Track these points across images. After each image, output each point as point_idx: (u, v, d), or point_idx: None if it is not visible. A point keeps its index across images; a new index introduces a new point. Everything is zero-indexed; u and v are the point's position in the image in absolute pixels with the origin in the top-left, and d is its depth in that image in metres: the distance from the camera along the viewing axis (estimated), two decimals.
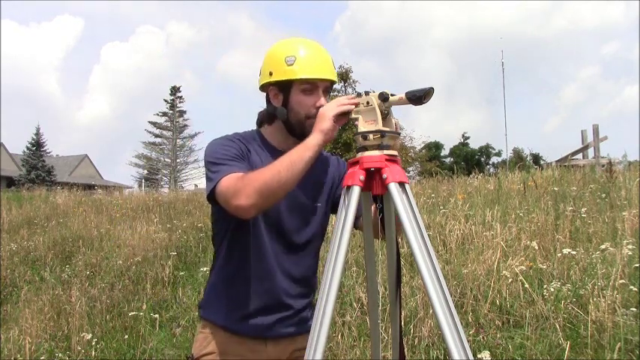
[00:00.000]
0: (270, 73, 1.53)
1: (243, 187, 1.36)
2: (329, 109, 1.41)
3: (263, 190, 1.34)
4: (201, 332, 1.63)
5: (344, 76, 26.92)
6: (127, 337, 4.06)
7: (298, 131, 1.55)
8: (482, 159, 45.41)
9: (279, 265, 1.58)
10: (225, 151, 1.51)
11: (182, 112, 43.25)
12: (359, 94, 1.41)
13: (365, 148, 1.36)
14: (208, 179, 1.48)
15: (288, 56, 1.51)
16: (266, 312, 1.58)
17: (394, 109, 1.42)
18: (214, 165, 1.48)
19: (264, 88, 1.59)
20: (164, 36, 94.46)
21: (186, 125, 43.08)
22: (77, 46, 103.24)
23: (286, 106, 1.54)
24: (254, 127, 1.70)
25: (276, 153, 1.56)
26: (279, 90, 1.54)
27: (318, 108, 1.50)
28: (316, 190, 1.63)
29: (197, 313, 1.78)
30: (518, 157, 29.25)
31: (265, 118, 1.63)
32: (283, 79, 1.51)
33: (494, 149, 45.50)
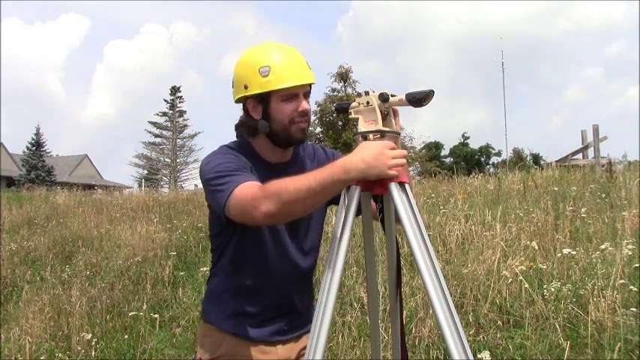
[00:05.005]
0: (246, 87, 1.48)
1: (266, 195, 1.30)
2: (388, 157, 1.29)
3: (284, 202, 1.28)
4: (207, 336, 1.61)
5: (344, 76, 26.94)
6: (127, 337, 4.06)
7: (283, 139, 1.51)
8: (483, 159, 45.43)
9: (285, 272, 1.58)
10: (229, 162, 1.46)
11: (182, 112, 43.27)
12: (359, 94, 1.41)
13: None
14: (217, 192, 1.40)
15: (261, 67, 1.45)
16: (276, 319, 1.59)
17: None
18: (221, 178, 1.41)
19: (240, 100, 1.54)
20: (168, 35, 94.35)
21: (186, 125, 43.11)
22: (81, 46, 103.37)
23: (267, 117, 1.49)
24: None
25: (271, 168, 1.53)
26: (258, 102, 1.49)
27: (300, 112, 1.48)
28: None
29: (199, 314, 1.77)
30: (518, 157, 29.24)
31: (247, 131, 1.56)
32: (260, 92, 1.46)
33: (494, 149, 45.58)
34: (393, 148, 1.32)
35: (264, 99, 1.48)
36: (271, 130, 1.50)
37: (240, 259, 1.56)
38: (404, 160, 1.33)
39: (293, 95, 1.48)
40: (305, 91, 1.51)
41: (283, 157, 1.58)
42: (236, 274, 1.58)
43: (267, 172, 1.51)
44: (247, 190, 1.35)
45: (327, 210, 1.76)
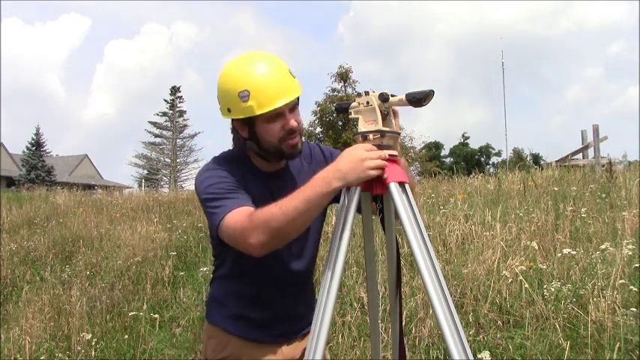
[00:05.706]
0: (229, 110, 1.44)
1: (254, 226, 1.30)
2: (362, 160, 1.29)
3: (274, 229, 1.29)
4: (213, 337, 1.62)
5: (344, 76, 26.92)
6: (127, 337, 4.06)
7: (275, 156, 1.50)
8: (483, 159, 45.45)
9: (288, 275, 1.58)
10: (222, 182, 1.43)
11: (182, 112, 43.31)
12: (359, 94, 1.41)
13: None
14: (211, 214, 1.39)
15: (240, 91, 1.40)
16: (279, 322, 1.60)
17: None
18: (214, 200, 1.40)
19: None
20: (168, 35, 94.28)
21: (186, 125, 43.18)
22: (81, 46, 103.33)
23: (254, 138, 1.46)
24: None
25: (267, 177, 1.53)
26: (244, 124, 1.46)
27: (288, 130, 1.44)
28: None
29: (199, 314, 1.77)
30: (518, 157, 29.27)
31: (240, 144, 1.53)
32: (243, 117, 1.43)
33: (494, 149, 45.62)
34: (371, 150, 1.30)
35: (248, 122, 1.45)
36: (261, 149, 1.48)
37: (239, 268, 1.56)
38: (384, 158, 1.30)
39: (278, 114, 1.43)
40: (290, 106, 1.46)
41: (278, 165, 1.57)
42: (236, 282, 1.59)
43: (263, 180, 1.52)
44: (237, 217, 1.34)
45: (327, 210, 1.76)
